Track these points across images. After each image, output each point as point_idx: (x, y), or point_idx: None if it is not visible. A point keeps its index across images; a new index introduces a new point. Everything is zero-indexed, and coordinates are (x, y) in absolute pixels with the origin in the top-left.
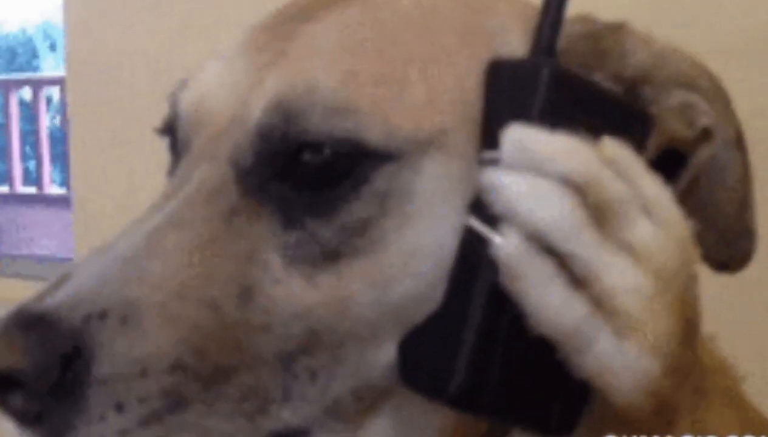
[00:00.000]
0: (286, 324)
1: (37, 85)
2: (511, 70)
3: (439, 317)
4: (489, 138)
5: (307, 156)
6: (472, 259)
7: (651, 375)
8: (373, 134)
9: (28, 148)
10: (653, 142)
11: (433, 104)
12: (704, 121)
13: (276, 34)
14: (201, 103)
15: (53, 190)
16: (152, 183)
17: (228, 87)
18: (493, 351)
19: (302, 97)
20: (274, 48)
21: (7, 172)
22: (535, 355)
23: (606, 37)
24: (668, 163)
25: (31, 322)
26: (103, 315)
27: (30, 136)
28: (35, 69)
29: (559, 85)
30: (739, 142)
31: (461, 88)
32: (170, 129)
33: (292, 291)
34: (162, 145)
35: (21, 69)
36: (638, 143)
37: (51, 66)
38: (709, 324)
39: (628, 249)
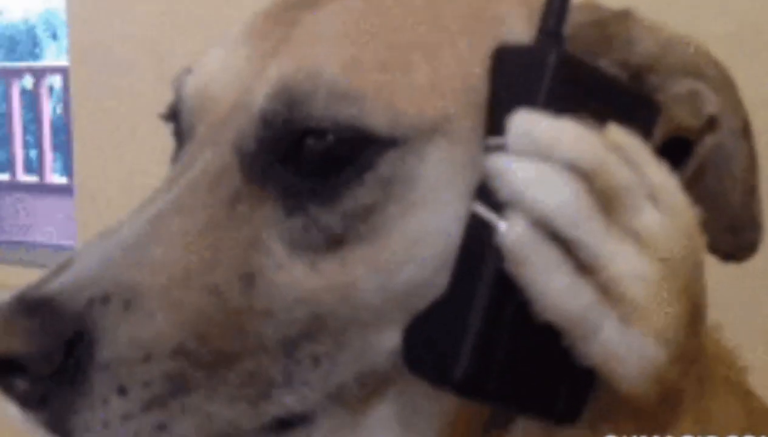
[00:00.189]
0: (289, 310)
1: (39, 73)
2: (518, 56)
3: (444, 303)
4: (494, 124)
5: (310, 142)
6: (478, 246)
7: (657, 363)
8: (377, 120)
9: (29, 137)
10: (659, 130)
11: (437, 90)
12: (710, 109)
13: (280, 21)
14: (205, 89)
15: (54, 179)
16: (154, 171)
17: (232, 73)
18: (499, 337)
19: (306, 83)
20: (277, 35)
21: (8, 161)
22: (540, 342)
23: (612, 24)
24: (674, 152)
25: (34, 307)
26: (105, 300)
27: (31, 124)
28: (37, 58)
29: (566, 71)
30: (745, 131)
31: (465, 74)
32: (174, 115)
33: (295, 277)
34: (165, 133)
35: (22, 58)
36: (645, 130)
37: (53, 55)
38: (714, 314)
39: (634, 236)
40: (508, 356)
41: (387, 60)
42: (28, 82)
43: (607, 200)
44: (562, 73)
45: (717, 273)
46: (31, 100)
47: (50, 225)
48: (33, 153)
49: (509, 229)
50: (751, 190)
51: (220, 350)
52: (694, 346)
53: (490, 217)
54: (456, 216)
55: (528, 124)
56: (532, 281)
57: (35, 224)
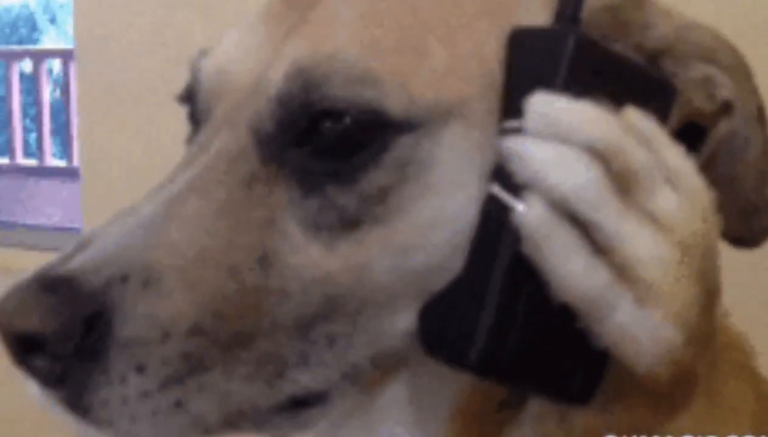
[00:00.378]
0: (304, 291)
1: (38, 57)
2: (535, 39)
3: (460, 284)
4: (511, 107)
5: (327, 124)
6: (494, 227)
7: (672, 344)
8: (394, 103)
9: (28, 121)
10: (675, 114)
11: (454, 73)
12: (725, 94)
13: (297, 4)
14: (222, 71)
15: (53, 162)
16: (159, 154)
17: (249, 55)
18: (515, 318)
19: (323, 65)
20: (294, 17)
21: (8, 144)
22: (556, 323)
23: (627, 9)
24: (689, 136)
25: (54, 285)
26: (124, 279)
27: (30, 108)
28: (35, 42)
29: (583, 54)
30: (760, 117)
31: (482, 57)
32: (190, 97)
33: (311, 258)
34: (169, 116)
35: (22, 42)
36: (662, 114)
37: (52, 39)
38: (723, 300)
39: (651, 218)
40: (523, 337)
41: (404, 43)
42: (27, 65)
43: (624, 182)
44: (579, 56)
45: (727, 258)
46: (31, 84)
47: (50, 208)
48: (31, 137)
49: (527, 211)
50: (764, 176)
51: (237, 329)
52: (708, 329)
53: (508, 199)
54: (472, 198)
55: (546, 106)
56: (549, 262)
57: (35, 207)
